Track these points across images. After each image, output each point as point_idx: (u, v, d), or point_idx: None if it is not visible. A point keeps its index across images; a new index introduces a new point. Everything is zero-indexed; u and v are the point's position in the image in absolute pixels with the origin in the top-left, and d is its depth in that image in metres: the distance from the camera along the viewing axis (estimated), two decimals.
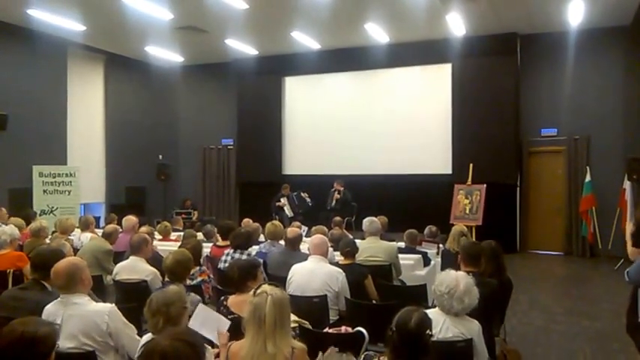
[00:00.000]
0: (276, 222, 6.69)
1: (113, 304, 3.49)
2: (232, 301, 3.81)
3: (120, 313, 3.38)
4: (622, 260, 9.90)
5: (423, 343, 2.57)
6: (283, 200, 12.35)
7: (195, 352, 2.06)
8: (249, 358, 2.74)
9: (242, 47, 13.03)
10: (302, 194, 12.35)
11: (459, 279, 3.26)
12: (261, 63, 13.99)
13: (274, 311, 2.73)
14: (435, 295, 3.30)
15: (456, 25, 11.13)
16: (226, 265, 5.59)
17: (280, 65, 14.01)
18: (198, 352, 2.07)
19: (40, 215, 10.28)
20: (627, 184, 10.32)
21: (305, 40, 12.38)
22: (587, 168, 11.27)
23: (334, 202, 11.70)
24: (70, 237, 7.49)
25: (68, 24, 10.99)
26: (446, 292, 3.21)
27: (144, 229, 7.28)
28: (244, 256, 5.53)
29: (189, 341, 2.08)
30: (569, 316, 7.17)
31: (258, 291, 2.85)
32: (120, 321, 3.34)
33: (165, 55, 13.84)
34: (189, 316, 3.24)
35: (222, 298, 3.93)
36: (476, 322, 3.27)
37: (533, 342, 5.99)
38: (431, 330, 2.63)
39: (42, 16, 10.48)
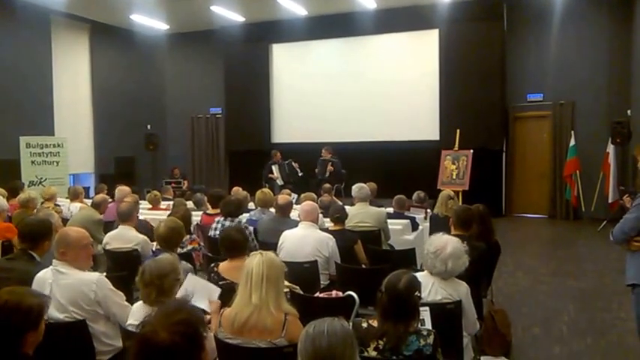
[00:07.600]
0: (266, 190, 6.71)
1: (101, 274, 3.50)
2: (223, 267, 3.84)
3: (108, 281, 3.38)
4: (604, 222, 10.12)
5: (412, 305, 2.62)
6: (275, 171, 12.32)
7: (194, 345, 1.90)
8: (234, 311, 2.79)
9: (228, 14, 12.84)
10: (293, 164, 12.31)
11: (448, 242, 3.29)
12: (247, 30, 13.83)
13: (262, 267, 2.79)
14: (424, 254, 3.36)
15: None
16: (217, 232, 5.64)
17: (267, 32, 13.85)
18: (198, 346, 1.91)
19: (28, 186, 10.18)
20: (611, 148, 10.48)
21: (291, 6, 12.22)
22: (572, 132, 11.36)
23: (327, 174, 11.54)
24: (59, 206, 7.49)
25: None
26: (432, 252, 3.27)
27: (129, 198, 7.27)
28: (234, 224, 5.58)
29: (189, 334, 1.89)
30: (553, 276, 7.34)
31: (252, 254, 2.93)
32: (108, 289, 3.34)
33: (151, 23, 13.61)
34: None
35: (213, 264, 3.96)
36: (464, 284, 3.33)
37: (519, 302, 6.13)
38: (420, 292, 2.67)
39: None
